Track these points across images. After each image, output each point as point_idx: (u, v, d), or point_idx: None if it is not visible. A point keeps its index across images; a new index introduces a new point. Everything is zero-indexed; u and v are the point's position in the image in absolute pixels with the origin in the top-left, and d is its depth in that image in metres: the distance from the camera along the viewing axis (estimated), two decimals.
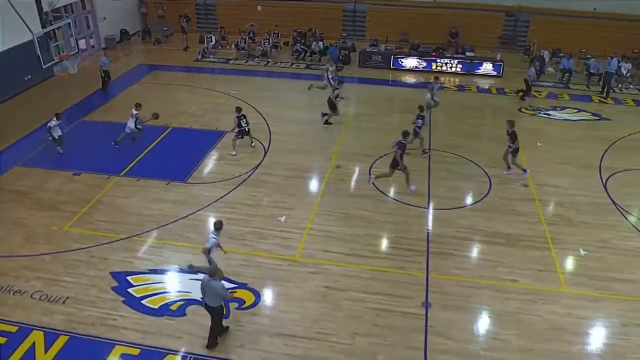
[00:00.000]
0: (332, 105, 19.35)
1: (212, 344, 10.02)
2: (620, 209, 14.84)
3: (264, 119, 19.85)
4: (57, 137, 16.65)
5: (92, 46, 27.89)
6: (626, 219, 14.44)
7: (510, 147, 15.87)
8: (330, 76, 20.90)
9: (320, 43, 27.20)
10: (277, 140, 18.12)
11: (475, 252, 13.14)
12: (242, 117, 17.20)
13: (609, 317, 11.03)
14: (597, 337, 10.64)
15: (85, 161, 16.49)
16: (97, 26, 27.90)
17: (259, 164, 16.67)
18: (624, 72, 24.13)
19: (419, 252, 12.85)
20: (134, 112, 17.09)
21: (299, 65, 26.62)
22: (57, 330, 10.40)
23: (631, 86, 24.27)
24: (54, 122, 16.41)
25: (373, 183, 15.58)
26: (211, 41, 28.38)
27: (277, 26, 28.51)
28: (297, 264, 12.28)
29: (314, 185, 15.83)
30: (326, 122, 19.56)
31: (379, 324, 10.70)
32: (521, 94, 22.71)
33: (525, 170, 16.16)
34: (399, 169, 15.01)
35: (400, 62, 25.98)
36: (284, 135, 18.36)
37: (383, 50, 26.50)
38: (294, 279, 11.80)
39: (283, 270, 12.18)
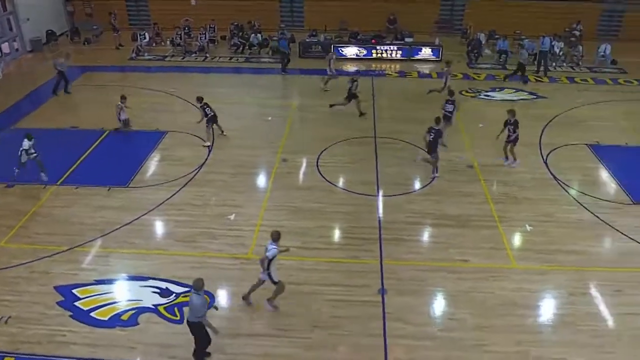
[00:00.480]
0: (352, 95, 19.48)
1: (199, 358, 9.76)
2: (561, 183, 15.57)
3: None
4: None
5: (17, 49, 26.61)
6: (567, 192, 15.17)
7: (510, 136, 16.05)
8: (332, 64, 21.66)
9: (259, 35, 27.02)
10: (221, 137, 17.92)
11: (426, 235, 13.49)
12: (205, 106, 17.06)
13: (557, 288, 11.60)
14: (547, 308, 11.16)
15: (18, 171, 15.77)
16: (21, 28, 26.62)
17: (204, 163, 16.46)
18: (557, 50, 25.24)
19: (371, 240, 13.06)
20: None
21: (238, 59, 26.37)
22: (0, 352, 9.97)
23: (564, 64, 25.38)
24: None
25: (321, 174, 15.71)
26: (145, 38, 27.64)
27: (214, 20, 28.10)
28: (251, 262, 12.22)
29: (261, 180, 15.79)
30: (331, 106, 20.03)
31: (337, 315, 10.83)
32: (519, 74, 23.26)
33: (516, 160, 16.33)
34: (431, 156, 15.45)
35: (340, 51, 26.16)
36: (228, 131, 18.17)
37: (323, 40, 26.60)
38: (248, 278, 11.72)
39: (237, 269, 12.11)
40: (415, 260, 12.41)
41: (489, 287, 11.64)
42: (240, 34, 27.39)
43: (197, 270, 11.89)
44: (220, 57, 26.68)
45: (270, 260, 10.34)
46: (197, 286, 9.27)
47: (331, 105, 19.98)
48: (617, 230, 13.56)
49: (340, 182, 15.54)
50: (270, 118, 19.65)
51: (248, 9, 29.15)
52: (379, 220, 13.83)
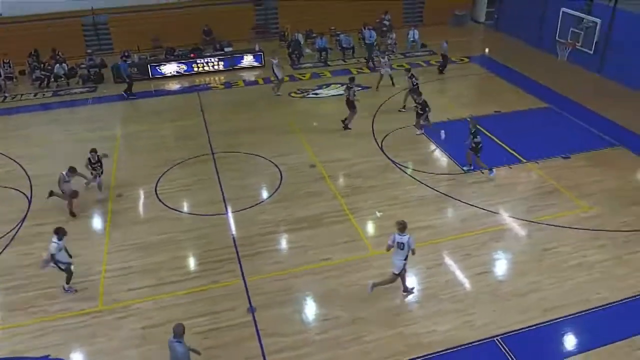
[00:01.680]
0: (351, 104, 19.11)
1: None
2: (398, 166, 16.84)
3: (18, 163, 17.83)
4: None
5: None
6: (405, 173, 16.47)
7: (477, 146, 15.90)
8: (276, 70, 21.38)
9: (64, 65, 25.24)
10: (40, 184, 16.31)
11: (284, 243, 13.73)
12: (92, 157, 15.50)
13: (415, 265, 12.48)
14: (410, 285, 11.99)
15: None
16: None
17: (25, 217, 14.98)
18: (366, 40, 27.20)
19: (229, 260, 12.96)
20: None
21: (44, 94, 24.34)
22: None
23: (378, 53, 27.39)
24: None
25: (162, 202, 15.20)
26: None
27: (7, 54, 25.63)
28: (103, 314, 11.44)
29: (97, 222, 14.81)
30: (345, 127, 19.46)
31: (210, 346, 10.56)
32: (440, 67, 24.79)
33: (491, 170, 16.15)
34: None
35: (159, 70, 25.52)
36: (47, 176, 16.56)
37: (137, 61, 25.69)
38: (103, 331, 10.97)
39: (88, 325, 11.22)
40: (278, 270, 12.57)
41: (354, 279, 12.20)
42: (42, 65, 25.36)
43: (41, 338, 10.82)
44: (22, 95, 24.40)
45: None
46: (178, 333, 8.85)
47: (345, 126, 19.50)
48: (456, 199, 15.06)
49: (185, 207, 15.18)
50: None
51: (47, 37, 26.90)
52: (234, 238, 13.76)
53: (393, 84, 23.18)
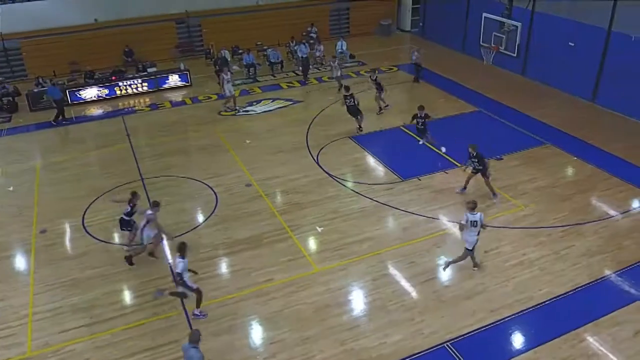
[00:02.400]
0: (357, 111, 19.79)
1: None
2: (336, 179, 16.98)
3: None
4: None
5: None
6: (344, 186, 16.62)
7: (478, 170, 15.35)
8: (226, 85, 21.73)
9: None
10: None
11: (224, 267, 13.50)
12: None
13: (361, 278, 12.63)
14: (357, 300, 12.08)
15: None
16: None
17: None
18: (300, 54, 27.45)
19: (168, 290, 12.57)
20: (149, 212, 13.21)
21: None
22: None
23: (330, 59, 27.44)
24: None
25: (91, 235, 14.64)
26: None
27: None
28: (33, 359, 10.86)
29: (21, 262, 14.06)
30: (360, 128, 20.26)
31: None
32: (416, 77, 25.28)
33: (495, 195, 15.66)
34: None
35: (79, 95, 24.70)
36: None
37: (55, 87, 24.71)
38: None
39: None
40: (221, 296, 12.34)
41: (299, 298, 12.14)
42: None
43: None
44: None
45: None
46: (194, 339, 9.11)
47: (359, 128, 20.22)
48: (396, 208, 15.33)
49: (117, 238, 14.67)
50: (11, 188, 17.60)
51: None
52: (170, 267, 13.40)
53: (340, 86, 23.64)
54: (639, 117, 20.50)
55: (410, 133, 19.70)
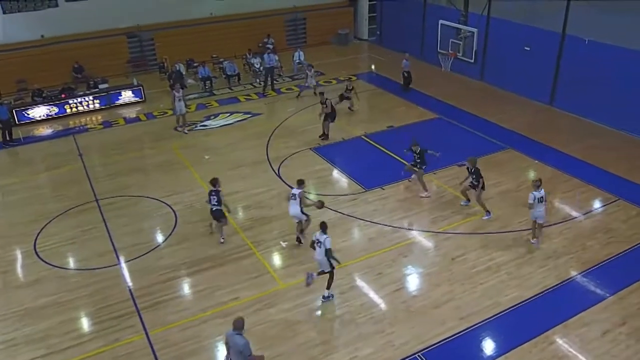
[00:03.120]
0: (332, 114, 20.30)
1: None
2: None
3: None
4: None
5: None
6: (308, 198, 16.52)
7: (476, 186, 15.15)
8: (177, 103, 21.37)
9: None
10: None
11: (187, 287, 13.27)
12: None
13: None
14: (326, 314, 12.04)
15: None
16: None
17: None
18: (257, 66, 27.44)
19: (128, 314, 12.30)
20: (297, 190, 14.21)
21: None
22: None
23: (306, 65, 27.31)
24: None
25: (44, 260, 14.20)
26: None
27: None
28: None
29: None
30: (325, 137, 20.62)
31: None
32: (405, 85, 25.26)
33: (488, 213, 15.42)
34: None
35: (26, 115, 24.06)
36: None
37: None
38: None
39: None
40: (184, 318, 12.11)
41: (266, 316, 12.02)
42: None
43: None
44: None
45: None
46: (239, 326, 9.32)
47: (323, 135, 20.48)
48: (361, 219, 15.39)
49: (71, 263, 14.27)
50: None
51: None
52: (130, 290, 13.10)
53: (315, 93, 24.38)
54: (595, 118, 21.20)
55: (372, 142, 19.92)
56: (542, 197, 13.40)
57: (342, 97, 22.62)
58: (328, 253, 11.81)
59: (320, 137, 20.37)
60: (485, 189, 15.31)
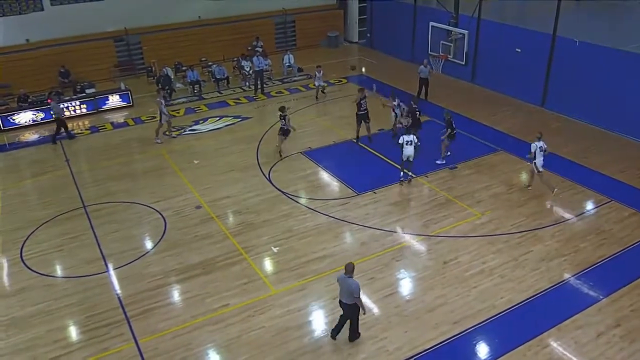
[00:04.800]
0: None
1: (353, 337, 11.24)
2: (289, 196, 16.94)
3: None
4: None
5: None
6: (298, 202, 16.58)
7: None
8: (164, 109, 21.28)
9: None
10: None
11: (176, 295, 13.20)
12: None
13: (320, 297, 12.58)
14: (318, 320, 12.01)
15: None
16: None
17: None
18: (247, 69, 27.42)
19: (117, 323, 12.22)
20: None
21: None
22: None
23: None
24: None
25: (30, 269, 14.08)
26: None
27: None
28: None
29: None
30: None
31: None
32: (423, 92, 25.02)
33: (442, 159, 18.56)
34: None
35: (12, 121, 23.88)
36: None
37: None
38: None
39: None
40: (174, 326, 12.04)
41: (258, 322, 11.98)
42: None
43: None
44: None
45: None
46: (349, 269, 10.50)
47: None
48: (352, 223, 15.39)
49: (59, 271, 14.17)
50: None
51: None
52: (119, 298, 13.02)
53: (324, 92, 25.44)
54: (587, 119, 21.35)
55: (363, 145, 19.97)
56: (541, 146, 15.69)
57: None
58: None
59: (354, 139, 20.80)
60: (453, 138, 18.36)
